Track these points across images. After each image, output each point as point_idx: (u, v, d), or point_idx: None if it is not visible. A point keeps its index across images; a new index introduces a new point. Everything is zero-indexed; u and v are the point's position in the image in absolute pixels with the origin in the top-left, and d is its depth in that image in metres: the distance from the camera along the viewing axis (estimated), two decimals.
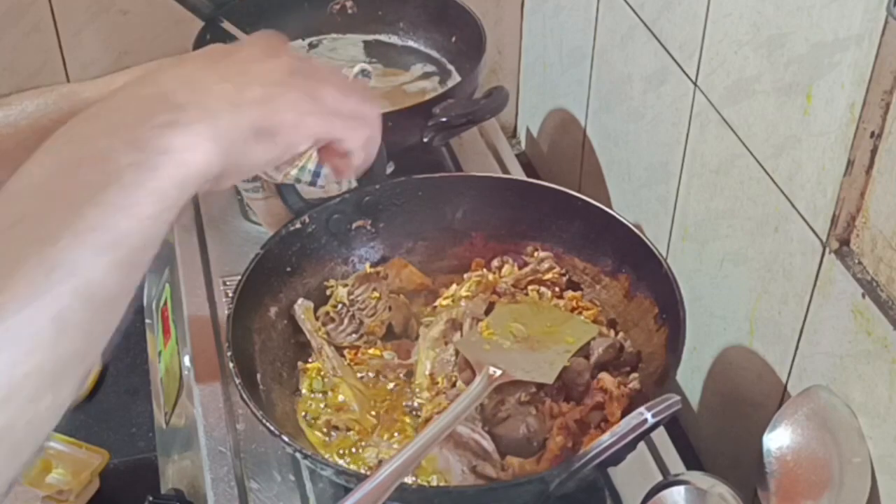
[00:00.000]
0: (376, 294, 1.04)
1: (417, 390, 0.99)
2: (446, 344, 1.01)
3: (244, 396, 0.88)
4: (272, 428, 0.86)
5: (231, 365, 0.90)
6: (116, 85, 0.90)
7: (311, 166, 1.00)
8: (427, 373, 0.99)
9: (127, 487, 1.31)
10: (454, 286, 1.08)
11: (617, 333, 1.03)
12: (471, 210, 1.12)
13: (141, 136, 0.58)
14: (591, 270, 1.08)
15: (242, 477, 0.99)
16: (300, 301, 1.03)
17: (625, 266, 1.05)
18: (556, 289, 1.08)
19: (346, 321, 1.03)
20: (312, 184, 1.01)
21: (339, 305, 1.04)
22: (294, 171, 1.00)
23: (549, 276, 1.08)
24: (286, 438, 0.86)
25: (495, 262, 1.11)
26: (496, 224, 1.12)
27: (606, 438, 0.81)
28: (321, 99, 0.69)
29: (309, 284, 1.06)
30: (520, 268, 1.09)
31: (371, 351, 1.03)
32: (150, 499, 1.05)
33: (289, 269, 1.04)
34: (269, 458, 1.01)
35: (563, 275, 1.09)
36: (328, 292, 1.06)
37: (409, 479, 0.88)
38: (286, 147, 0.68)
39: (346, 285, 1.05)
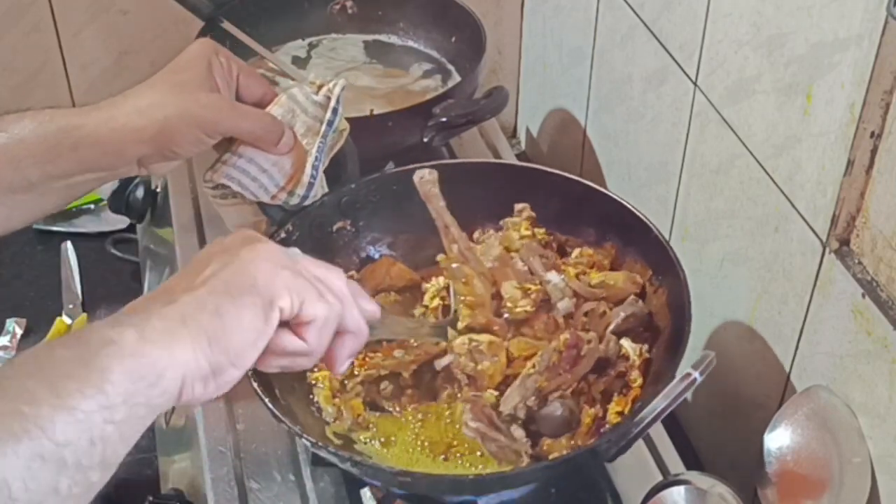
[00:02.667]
0: None
1: (510, 304, 1.00)
2: (511, 256, 1.04)
3: (277, 415, 0.87)
4: (311, 439, 0.87)
5: (255, 384, 0.89)
6: (117, 122, 0.89)
7: (301, 191, 1.01)
8: (514, 286, 1.01)
9: (127, 487, 1.31)
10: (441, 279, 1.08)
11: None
12: (447, 198, 1.11)
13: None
14: (574, 243, 1.09)
15: (242, 477, 0.99)
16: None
17: (609, 234, 1.06)
18: (555, 244, 1.08)
19: None
20: (298, 205, 1.02)
21: None
22: (283, 196, 1.00)
23: (540, 236, 1.08)
24: (331, 449, 0.87)
25: (476, 235, 1.11)
26: (473, 208, 1.11)
27: (660, 402, 0.83)
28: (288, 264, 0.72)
29: None
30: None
31: (378, 355, 1.01)
32: (150, 499, 1.05)
33: None
34: (269, 458, 1.00)
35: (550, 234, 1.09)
36: None
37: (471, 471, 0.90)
38: (270, 300, 0.69)
39: None
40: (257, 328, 0.68)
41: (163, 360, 0.63)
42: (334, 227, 1.08)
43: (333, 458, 0.88)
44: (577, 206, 1.08)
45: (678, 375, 0.85)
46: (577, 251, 1.07)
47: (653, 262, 1.01)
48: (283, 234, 1.03)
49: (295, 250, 0.76)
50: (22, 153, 0.87)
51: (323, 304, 0.72)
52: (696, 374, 0.83)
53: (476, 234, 1.11)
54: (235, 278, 0.68)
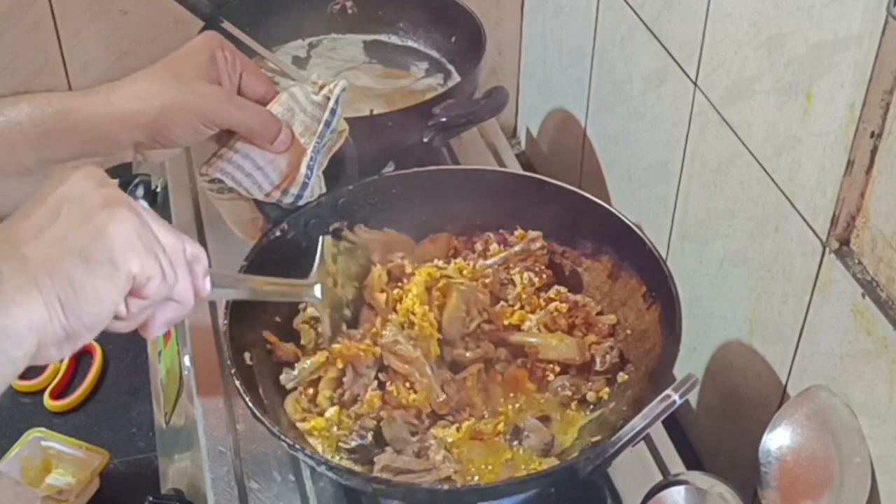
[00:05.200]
0: None
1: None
2: None
3: (257, 415, 0.88)
4: (289, 441, 0.86)
5: (237, 383, 0.90)
6: (114, 106, 0.89)
7: (295, 190, 1.00)
8: None
9: (127, 487, 1.31)
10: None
11: (614, 333, 1.03)
12: (445, 203, 1.11)
13: None
14: (571, 254, 1.09)
15: (242, 477, 0.99)
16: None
17: (606, 247, 1.06)
18: (543, 276, 1.07)
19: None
20: (293, 204, 1.01)
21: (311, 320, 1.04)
22: (277, 194, 1.00)
23: (532, 259, 1.09)
24: (308, 451, 0.87)
25: (479, 245, 1.10)
26: (471, 215, 1.12)
27: (639, 422, 0.83)
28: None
29: None
30: (508, 247, 1.09)
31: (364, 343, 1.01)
32: (150, 499, 1.05)
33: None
34: (269, 458, 1.01)
35: (546, 254, 1.09)
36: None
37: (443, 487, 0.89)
38: (125, 276, 0.67)
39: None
40: (112, 301, 0.67)
41: (22, 320, 0.63)
42: (331, 228, 1.08)
43: (310, 462, 0.88)
44: (575, 217, 1.08)
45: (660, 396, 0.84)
46: (555, 289, 1.07)
47: (647, 279, 1.01)
48: (277, 233, 1.03)
49: (143, 204, 0.74)
50: (17, 137, 0.86)
51: (164, 285, 0.70)
52: (675, 397, 0.83)
53: (478, 245, 1.11)
54: (92, 246, 0.66)
